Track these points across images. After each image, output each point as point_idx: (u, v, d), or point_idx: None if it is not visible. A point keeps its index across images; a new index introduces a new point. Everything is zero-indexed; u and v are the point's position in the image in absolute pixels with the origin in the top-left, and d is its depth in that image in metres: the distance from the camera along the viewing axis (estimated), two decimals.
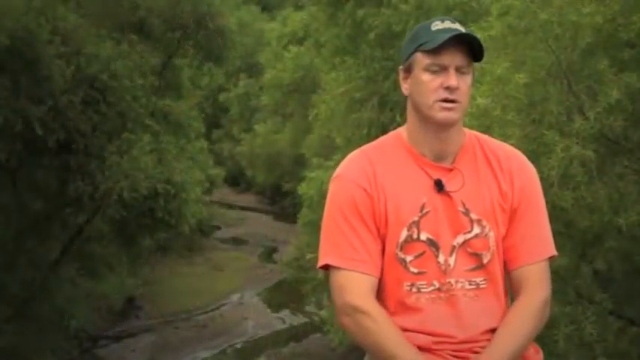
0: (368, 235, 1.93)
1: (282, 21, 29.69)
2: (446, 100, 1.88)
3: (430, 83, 1.89)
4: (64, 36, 10.52)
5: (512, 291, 2.00)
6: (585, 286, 5.30)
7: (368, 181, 1.95)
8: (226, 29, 15.38)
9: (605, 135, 4.75)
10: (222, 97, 33.38)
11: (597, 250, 5.20)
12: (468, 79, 1.91)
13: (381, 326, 1.87)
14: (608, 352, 4.96)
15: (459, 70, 1.89)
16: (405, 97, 1.99)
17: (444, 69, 1.88)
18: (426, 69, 1.89)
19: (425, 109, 1.92)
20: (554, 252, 2.01)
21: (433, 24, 1.91)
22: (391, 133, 2.06)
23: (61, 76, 10.06)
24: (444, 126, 1.93)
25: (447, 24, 1.90)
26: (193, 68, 19.65)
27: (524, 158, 2.05)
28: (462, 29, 1.89)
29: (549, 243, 2.01)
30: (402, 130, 2.04)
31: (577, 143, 4.51)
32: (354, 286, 1.91)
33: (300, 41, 24.69)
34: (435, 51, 1.87)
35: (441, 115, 1.90)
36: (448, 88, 1.88)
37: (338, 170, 2.01)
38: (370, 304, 1.90)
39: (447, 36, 1.86)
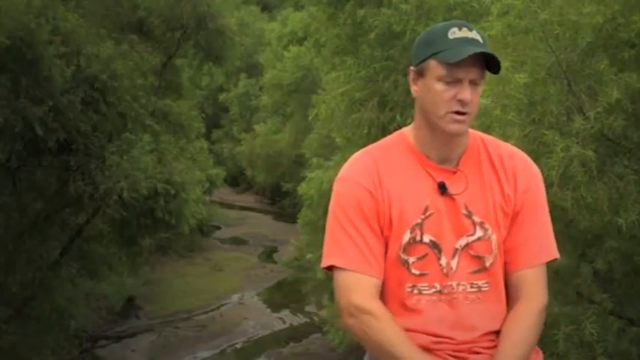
0: (372, 236, 1.93)
1: (282, 21, 29.71)
2: (457, 112, 1.87)
3: (444, 94, 1.87)
4: (64, 36, 10.51)
5: (508, 293, 1.99)
6: (585, 286, 5.30)
7: (372, 182, 1.94)
8: (226, 29, 15.39)
9: (605, 135, 4.74)
10: (222, 97, 33.45)
11: (597, 250, 5.19)
12: (479, 90, 1.90)
13: (385, 326, 1.87)
14: (608, 352, 4.96)
15: (472, 83, 1.87)
16: (413, 98, 1.97)
17: (458, 81, 1.86)
18: (440, 79, 1.87)
19: (436, 119, 1.90)
20: (555, 255, 2.00)
21: (450, 31, 1.87)
22: (396, 134, 2.05)
23: (61, 76, 10.05)
24: (453, 136, 1.93)
25: (465, 32, 1.87)
26: (193, 68, 19.72)
27: (529, 159, 2.04)
28: (479, 38, 1.87)
29: (551, 246, 2.00)
30: (407, 131, 2.02)
31: (577, 143, 4.50)
32: (359, 287, 1.91)
33: (300, 41, 24.71)
34: (452, 64, 1.84)
35: (452, 127, 1.89)
36: (461, 101, 1.86)
37: (342, 171, 2.00)
38: (374, 305, 1.89)
39: (466, 51, 1.82)
